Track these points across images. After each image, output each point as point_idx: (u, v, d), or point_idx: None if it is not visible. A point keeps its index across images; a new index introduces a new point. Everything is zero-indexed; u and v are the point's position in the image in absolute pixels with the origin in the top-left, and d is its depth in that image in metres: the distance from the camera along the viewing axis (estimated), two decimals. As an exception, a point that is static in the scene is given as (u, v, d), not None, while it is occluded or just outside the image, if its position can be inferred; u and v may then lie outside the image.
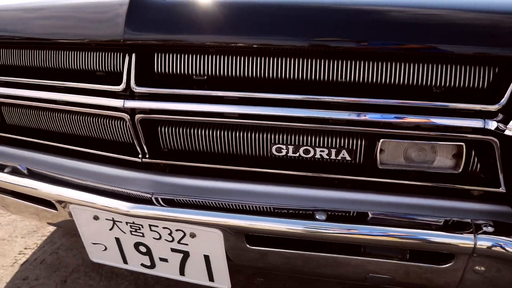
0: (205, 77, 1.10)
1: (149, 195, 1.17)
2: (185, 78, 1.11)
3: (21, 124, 1.39)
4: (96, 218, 1.23)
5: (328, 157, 1.10)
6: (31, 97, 1.25)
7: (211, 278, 1.24)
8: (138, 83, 1.08)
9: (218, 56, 1.07)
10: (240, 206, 1.12)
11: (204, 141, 1.14)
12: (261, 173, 1.16)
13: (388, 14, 0.98)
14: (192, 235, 1.15)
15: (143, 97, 1.10)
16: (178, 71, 1.10)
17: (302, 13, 1.01)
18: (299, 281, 1.91)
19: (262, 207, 1.11)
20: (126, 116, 1.12)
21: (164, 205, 1.14)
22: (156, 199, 1.16)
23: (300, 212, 1.09)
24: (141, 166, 1.22)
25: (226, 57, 1.07)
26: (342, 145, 1.08)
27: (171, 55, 1.09)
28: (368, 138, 1.06)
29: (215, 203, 1.13)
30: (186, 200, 1.15)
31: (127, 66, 1.09)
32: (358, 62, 1.01)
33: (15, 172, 1.32)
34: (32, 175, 1.30)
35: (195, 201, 1.14)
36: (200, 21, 1.05)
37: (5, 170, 1.32)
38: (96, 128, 1.23)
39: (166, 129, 1.15)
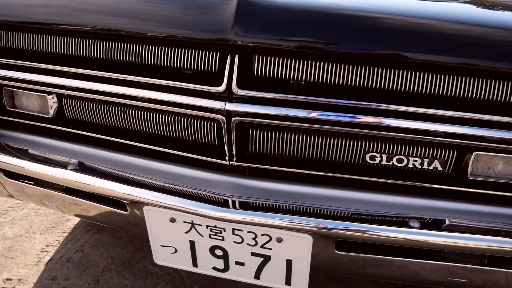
0: (303, 82, 1.09)
1: (235, 199, 1.14)
2: (282, 82, 1.09)
3: (83, 118, 1.32)
4: (172, 220, 1.20)
5: (420, 167, 1.12)
6: (106, 92, 1.20)
7: (288, 282, 1.23)
8: (239, 86, 1.06)
9: (319, 62, 1.06)
10: (331, 212, 1.11)
11: (296, 145, 1.13)
12: (349, 180, 1.16)
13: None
14: (279, 240, 1.14)
15: (242, 100, 1.07)
16: (277, 75, 1.08)
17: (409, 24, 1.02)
18: (336, 280, 1.93)
19: (354, 214, 1.11)
20: (221, 118, 1.09)
21: (253, 209, 1.12)
22: (242, 203, 1.14)
23: (393, 219, 1.10)
24: (223, 168, 1.20)
25: (328, 64, 1.06)
26: (435, 155, 1.10)
27: (272, 58, 1.06)
28: (462, 150, 1.09)
29: (304, 208, 1.13)
30: (274, 204, 1.13)
31: (228, 67, 1.06)
32: (464, 78, 1.03)
33: (80, 169, 1.26)
34: (100, 173, 1.25)
35: (284, 206, 1.13)
36: (308, 26, 1.03)
37: (69, 167, 1.26)
38: (179, 128, 1.19)
39: (258, 132, 1.12)
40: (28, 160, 1.31)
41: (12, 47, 1.32)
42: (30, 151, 1.37)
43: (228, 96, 1.08)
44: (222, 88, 1.07)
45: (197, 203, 1.13)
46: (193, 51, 1.11)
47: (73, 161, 1.29)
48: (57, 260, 2.00)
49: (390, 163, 1.12)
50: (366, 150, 1.11)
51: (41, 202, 1.46)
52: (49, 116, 1.34)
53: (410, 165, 1.12)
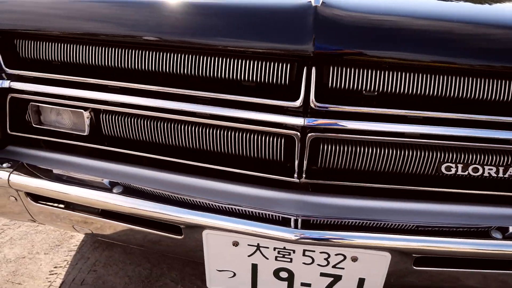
0: (376, 93, 1.03)
1: (307, 218, 1.07)
2: (355, 93, 1.03)
3: (124, 135, 1.21)
4: (235, 244, 1.12)
5: (495, 175, 1.09)
6: (159, 108, 1.09)
7: (356, 301, 1.18)
8: (317, 99, 0.98)
9: (396, 73, 1.01)
10: (410, 226, 1.07)
11: (370, 159, 1.07)
12: (423, 192, 1.11)
13: None
14: (354, 259, 1.08)
15: (319, 114, 1.00)
16: (352, 87, 1.01)
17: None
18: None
19: (434, 227, 1.06)
20: (296, 134, 1.01)
21: (329, 229, 1.05)
22: (316, 222, 1.07)
23: (474, 230, 1.06)
24: (290, 186, 1.12)
25: (403, 74, 1.01)
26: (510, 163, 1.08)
27: (348, 69, 1.00)
28: (539, 156, 1.07)
29: (381, 224, 1.07)
30: (350, 222, 1.07)
31: (305, 80, 0.98)
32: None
33: (128, 192, 1.15)
34: (151, 196, 1.14)
35: (361, 223, 1.07)
36: (389, 35, 0.97)
37: (115, 191, 1.14)
38: (241, 145, 1.10)
39: (331, 147, 1.06)
40: (62, 183, 1.18)
41: (42, 59, 1.19)
42: (61, 172, 1.23)
43: (303, 110, 1.00)
44: (298, 102, 0.99)
45: (267, 226, 1.05)
46: (260, 63, 1.02)
47: (118, 182, 1.17)
48: (69, 283, 1.85)
49: (466, 173, 1.09)
50: (442, 161, 1.07)
51: (73, 228, 1.33)
52: (85, 133, 1.21)
53: (486, 174, 1.09)
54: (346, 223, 1.06)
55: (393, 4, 1.04)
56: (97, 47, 1.11)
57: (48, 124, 1.26)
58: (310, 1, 0.99)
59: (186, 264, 2.01)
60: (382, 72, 1.01)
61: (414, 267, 1.09)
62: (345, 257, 1.09)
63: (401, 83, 1.01)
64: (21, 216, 1.36)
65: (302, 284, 1.16)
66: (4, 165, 1.23)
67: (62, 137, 1.26)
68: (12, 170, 1.21)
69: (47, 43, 1.18)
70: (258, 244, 1.10)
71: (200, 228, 1.10)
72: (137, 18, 1.05)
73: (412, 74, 1.01)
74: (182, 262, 2.02)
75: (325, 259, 1.10)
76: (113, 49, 1.10)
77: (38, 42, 1.19)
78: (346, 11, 0.99)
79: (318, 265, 1.11)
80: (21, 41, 1.20)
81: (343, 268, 1.11)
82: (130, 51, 1.09)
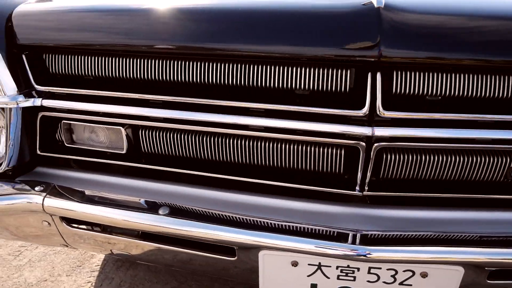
0: (439, 97, 0.96)
1: (374, 234, 1.00)
2: (419, 99, 0.96)
3: (165, 152, 1.13)
4: (294, 264, 1.04)
5: None
6: (209, 122, 1.02)
7: (421, 318, 1.10)
8: (384, 107, 0.91)
9: (463, 75, 0.94)
10: (485, 238, 0.99)
11: (437, 168, 1.00)
12: (493, 200, 1.05)
13: None
14: (424, 275, 1.01)
15: (386, 123, 0.93)
16: (416, 92, 0.94)
17: None
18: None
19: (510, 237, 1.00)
20: (360, 144, 0.94)
21: (397, 244, 0.98)
22: (383, 238, 0.99)
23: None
24: (350, 199, 1.05)
25: (473, 76, 0.94)
26: None
27: (414, 73, 0.93)
28: None
29: (453, 236, 1.00)
30: (419, 235, 1.00)
31: (370, 87, 0.91)
32: None
33: (175, 213, 1.07)
34: (201, 216, 1.06)
35: (431, 236, 1.00)
36: (457, 36, 0.91)
37: (161, 212, 1.06)
38: (296, 158, 1.03)
39: (395, 156, 0.99)
40: (103, 206, 1.10)
41: (74, 74, 1.11)
42: (97, 193, 1.15)
43: (368, 119, 0.93)
44: (364, 110, 0.92)
45: (331, 244, 0.98)
46: (316, 70, 0.95)
47: (161, 203, 1.09)
48: (97, 306, 1.76)
49: (535, 178, 1.02)
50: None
51: (110, 252, 1.24)
52: (123, 151, 1.13)
53: (557, 179, 1.02)
54: (415, 237, 0.99)
55: (458, 4, 0.97)
56: (136, 59, 1.04)
57: (81, 142, 1.18)
58: (372, 2, 0.92)
59: (215, 280, 1.93)
60: (449, 75, 0.94)
61: (488, 281, 1.02)
62: (413, 273, 1.01)
63: (470, 86, 0.95)
64: (53, 241, 1.27)
65: (364, 303, 1.09)
66: (36, 188, 1.14)
67: (96, 156, 1.18)
68: (45, 194, 1.12)
69: (78, 57, 1.10)
70: (319, 263, 1.03)
71: (257, 248, 1.02)
72: (179, 28, 0.98)
73: (482, 76, 0.94)
74: (210, 278, 1.94)
75: (392, 276, 1.02)
76: (155, 61, 1.02)
77: (69, 56, 1.11)
78: (410, 13, 0.92)
79: (384, 282, 1.04)
80: (50, 56, 1.11)
81: (410, 285, 1.04)
82: (172, 62, 1.01)
